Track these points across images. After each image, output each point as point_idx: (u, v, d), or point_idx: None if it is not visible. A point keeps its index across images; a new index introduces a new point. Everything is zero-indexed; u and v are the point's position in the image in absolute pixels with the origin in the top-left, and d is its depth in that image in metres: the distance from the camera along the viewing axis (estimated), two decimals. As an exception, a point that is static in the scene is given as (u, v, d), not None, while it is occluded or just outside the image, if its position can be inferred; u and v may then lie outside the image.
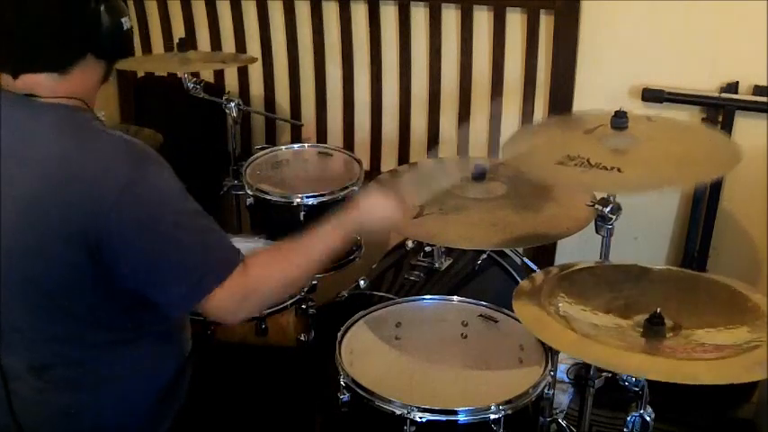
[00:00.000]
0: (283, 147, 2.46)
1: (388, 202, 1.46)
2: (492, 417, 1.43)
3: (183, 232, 1.23)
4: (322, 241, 1.38)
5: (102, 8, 1.23)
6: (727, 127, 2.22)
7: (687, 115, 2.30)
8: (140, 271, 1.22)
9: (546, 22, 2.37)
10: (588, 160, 1.54)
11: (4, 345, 1.29)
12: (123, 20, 1.27)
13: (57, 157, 1.19)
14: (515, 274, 2.10)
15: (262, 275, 1.30)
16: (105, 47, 1.26)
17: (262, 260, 1.31)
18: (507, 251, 2.18)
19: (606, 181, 1.51)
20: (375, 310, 1.74)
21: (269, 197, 2.17)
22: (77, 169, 1.18)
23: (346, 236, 1.41)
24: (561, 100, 2.39)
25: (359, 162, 2.34)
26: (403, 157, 2.71)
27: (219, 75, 2.89)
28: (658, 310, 1.35)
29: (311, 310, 1.91)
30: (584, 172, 1.51)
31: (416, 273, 2.05)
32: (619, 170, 1.50)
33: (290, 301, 1.82)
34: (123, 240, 1.19)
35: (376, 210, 1.45)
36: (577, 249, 2.07)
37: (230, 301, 1.26)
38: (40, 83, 1.23)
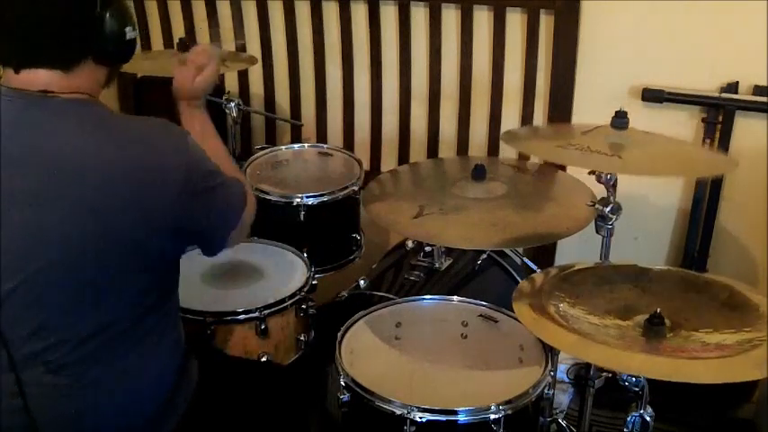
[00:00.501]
0: (283, 147, 2.46)
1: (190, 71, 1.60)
2: (492, 417, 1.43)
3: (224, 180, 1.34)
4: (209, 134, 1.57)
5: (108, 14, 1.24)
6: (727, 127, 2.22)
7: (687, 115, 2.30)
8: (200, 228, 1.32)
9: (546, 22, 2.37)
10: (588, 147, 1.57)
11: (19, 345, 1.29)
12: (127, 29, 1.28)
13: (97, 155, 1.19)
14: (515, 274, 2.10)
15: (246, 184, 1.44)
16: (106, 52, 1.28)
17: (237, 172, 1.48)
18: (507, 251, 2.18)
19: (606, 163, 1.55)
20: (375, 310, 1.74)
21: (269, 197, 2.17)
22: (128, 164, 1.20)
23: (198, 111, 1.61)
24: (561, 100, 2.39)
25: (359, 162, 2.34)
26: (403, 157, 2.71)
27: (219, 74, 2.88)
28: (658, 310, 1.35)
29: (311, 310, 1.91)
30: (585, 154, 1.56)
31: (416, 273, 2.05)
32: (618, 156, 1.53)
33: (291, 302, 1.82)
34: (185, 213, 1.26)
35: (188, 82, 1.61)
36: (577, 249, 2.07)
37: (249, 216, 1.41)
38: (43, 79, 1.23)
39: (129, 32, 1.29)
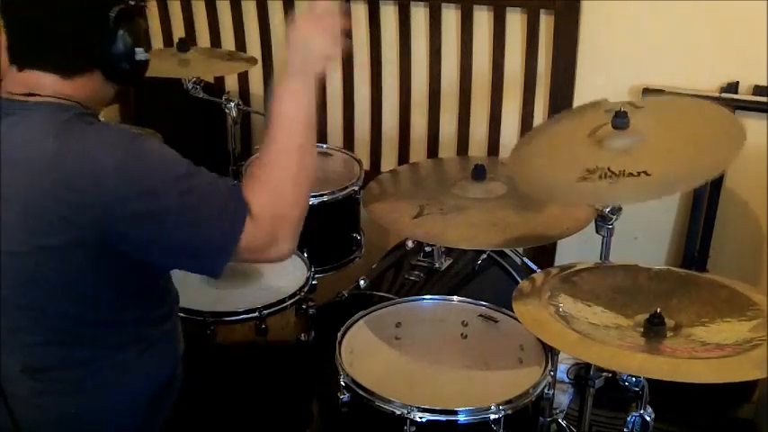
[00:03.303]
0: (283, 147, 2.46)
1: (321, 28, 1.31)
2: (492, 417, 1.43)
3: (189, 198, 1.19)
4: (293, 116, 1.26)
5: (119, 32, 1.23)
6: (728, 127, 2.22)
7: (687, 115, 2.30)
8: (162, 247, 1.20)
9: (546, 22, 2.37)
10: (609, 169, 1.48)
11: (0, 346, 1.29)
12: (138, 49, 1.25)
13: (48, 155, 1.17)
14: (515, 274, 2.10)
15: (274, 200, 1.23)
16: (115, 70, 1.26)
17: (262, 187, 1.23)
18: (507, 251, 2.18)
19: (638, 188, 1.45)
20: (375, 310, 1.74)
21: (269, 197, 2.16)
22: (70, 165, 1.16)
23: (306, 88, 1.27)
24: (561, 100, 2.39)
25: (359, 162, 2.34)
26: (403, 157, 2.71)
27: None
28: (658, 309, 1.35)
29: (311, 310, 1.91)
30: (613, 183, 1.45)
31: (416, 273, 2.05)
32: (646, 173, 1.45)
33: (290, 302, 1.82)
34: (131, 220, 1.17)
35: (315, 43, 1.30)
36: (577, 249, 2.07)
37: (262, 238, 1.22)
38: (42, 81, 1.23)
39: (140, 54, 1.26)
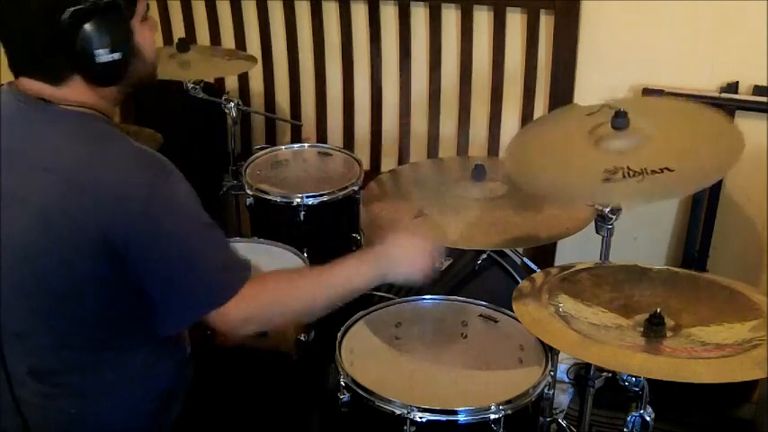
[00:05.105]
0: (283, 147, 2.46)
1: (419, 251, 1.45)
2: (492, 417, 1.43)
3: (198, 246, 1.24)
4: (342, 277, 1.38)
5: (79, 35, 1.18)
6: (727, 127, 2.22)
7: (687, 115, 2.30)
8: (154, 277, 1.22)
9: (546, 22, 2.37)
10: (629, 167, 1.48)
11: (6, 350, 1.29)
12: (99, 51, 1.20)
13: (75, 164, 1.19)
14: (515, 274, 2.10)
15: (269, 300, 1.30)
16: (89, 73, 1.23)
17: (273, 284, 1.32)
18: (507, 251, 2.18)
19: (667, 184, 1.45)
20: (375, 310, 1.74)
21: (269, 197, 2.17)
22: (97, 176, 1.18)
23: (370, 277, 1.40)
24: (561, 100, 2.39)
25: (359, 162, 2.34)
26: (403, 157, 2.71)
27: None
28: (658, 310, 1.35)
29: (311, 310, 1.91)
30: (641, 182, 1.45)
31: (416, 273, 2.04)
32: (668, 169, 1.45)
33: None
34: (141, 248, 1.19)
35: (405, 258, 1.44)
36: (577, 249, 2.07)
37: (233, 319, 1.26)
38: (36, 87, 1.23)
39: (103, 55, 1.20)
